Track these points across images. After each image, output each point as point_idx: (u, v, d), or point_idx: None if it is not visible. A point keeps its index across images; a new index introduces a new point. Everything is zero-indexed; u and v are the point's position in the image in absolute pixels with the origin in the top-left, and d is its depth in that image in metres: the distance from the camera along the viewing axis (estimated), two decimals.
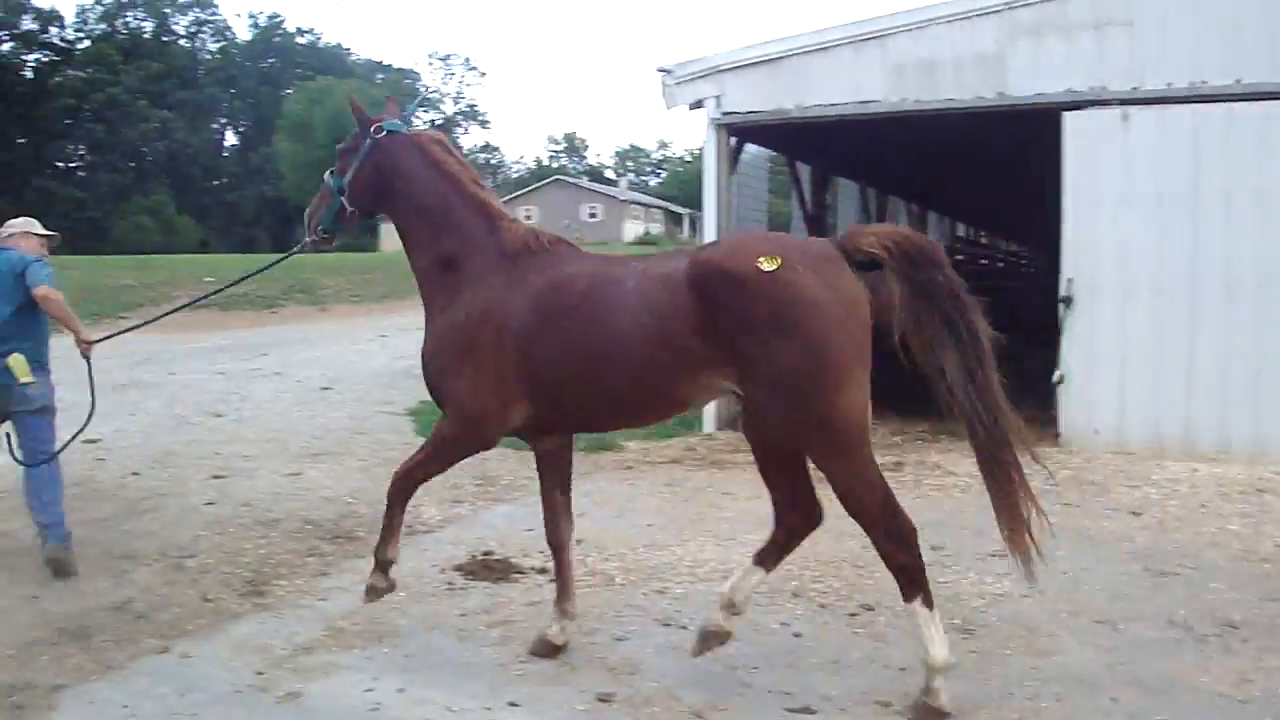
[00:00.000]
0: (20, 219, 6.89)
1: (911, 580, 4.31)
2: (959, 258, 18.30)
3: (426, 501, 7.80)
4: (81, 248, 61.95)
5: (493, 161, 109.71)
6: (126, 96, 77.35)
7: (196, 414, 12.11)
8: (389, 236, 65.48)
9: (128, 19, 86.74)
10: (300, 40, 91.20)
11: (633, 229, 69.61)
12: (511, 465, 9.28)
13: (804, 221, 16.67)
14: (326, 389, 13.84)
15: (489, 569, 6.37)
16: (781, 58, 11.26)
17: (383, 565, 4.93)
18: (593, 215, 70.16)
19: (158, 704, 4.55)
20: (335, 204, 5.23)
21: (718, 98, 11.48)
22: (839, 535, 5.98)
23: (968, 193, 23.85)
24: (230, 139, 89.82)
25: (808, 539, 4.85)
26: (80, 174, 77.65)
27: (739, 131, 11.99)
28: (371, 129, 5.15)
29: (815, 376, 4.18)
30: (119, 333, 7.29)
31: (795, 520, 4.73)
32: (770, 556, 4.77)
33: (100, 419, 11.47)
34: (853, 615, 5.63)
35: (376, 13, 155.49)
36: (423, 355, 4.97)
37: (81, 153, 79.17)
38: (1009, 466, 4.26)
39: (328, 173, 5.31)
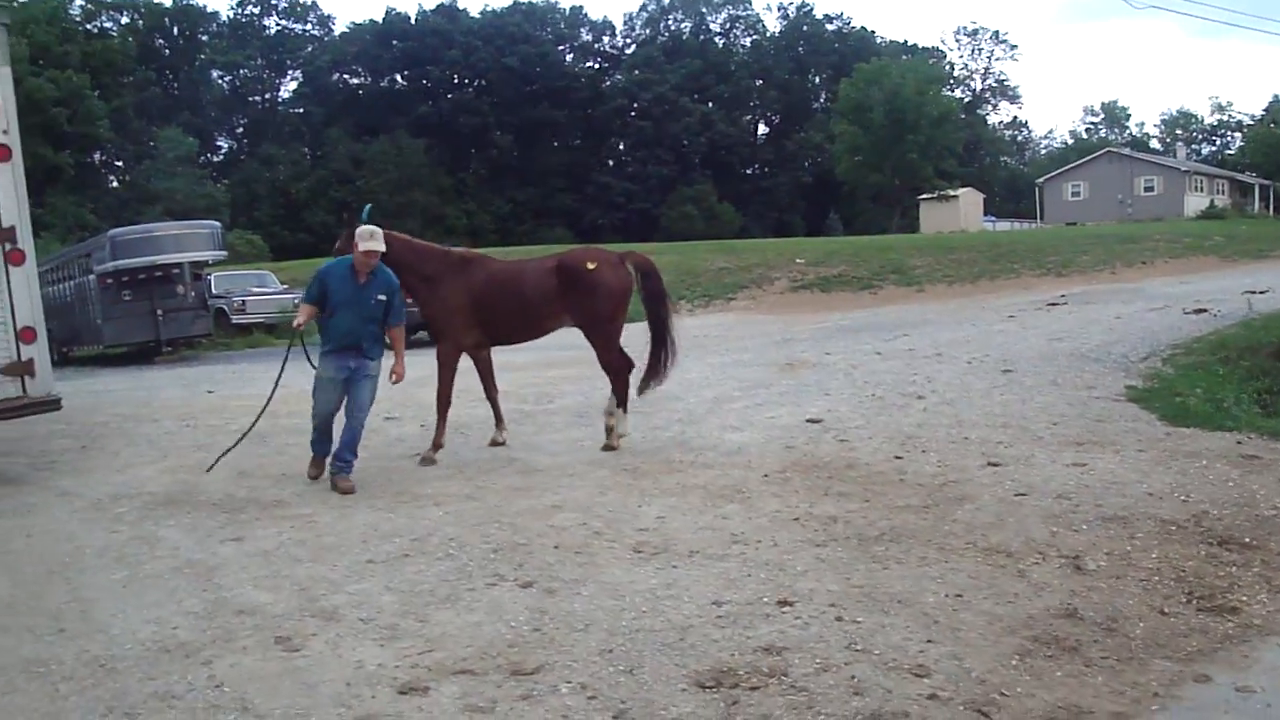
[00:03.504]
0: (370, 228, 8.13)
1: (620, 392, 9.26)
2: None
3: None
4: (635, 235, 67.09)
5: (1019, 138, 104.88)
6: (671, 93, 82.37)
7: (893, 395, 11.62)
8: (928, 216, 64.73)
9: (669, 21, 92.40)
10: (829, 27, 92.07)
11: (1195, 202, 62.80)
12: None
13: None
14: (1008, 371, 12.89)
15: None
16: None
17: (436, 447, 9.03)
18: (1149, 189, 64.20)
19: None
20: None
21: None
22: None
23: None
24: (762, 128, 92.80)
25: None
26: (630, 168, 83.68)
27: None
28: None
29: (598, 315, 9.09)
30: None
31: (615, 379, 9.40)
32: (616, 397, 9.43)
33: (797, 397, 11.51)
34: None
35: None
36: (425, 315, 9.44)
37: (632, 148, 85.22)
38: (666, 358, 9.40)
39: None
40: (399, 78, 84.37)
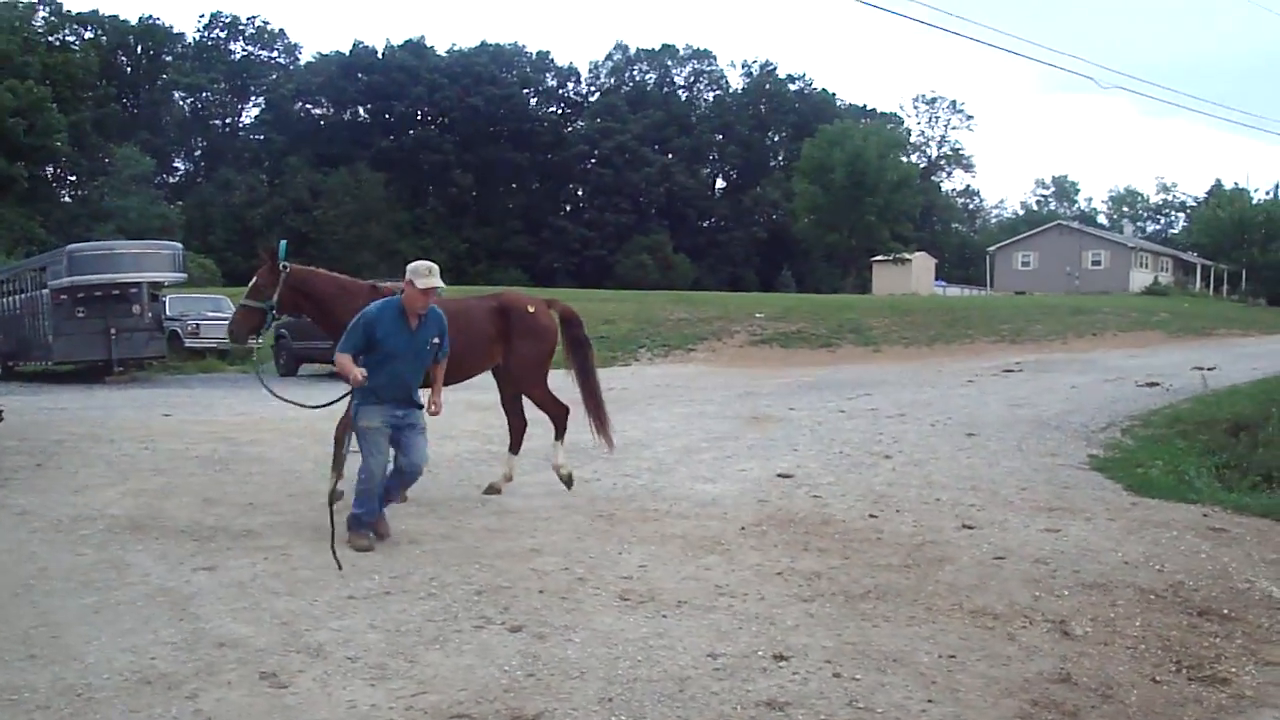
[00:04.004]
0: (427, 264, 7.32)
1: (559, 429, 9.19)
2: None
3: None
4: (589, 281, 67.28)
5: (970, 206, 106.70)
6: (632, 143, 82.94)
7: (860, 453, 11.68)
8: (880, 278, 65.50)
9: (633, 71, 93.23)
10: (791, 87, 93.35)
11: (1140, 278, 64.20)
12: None
13: None
14: (972, 434, 13.02)
15: None
16: None
17: (331, 495, 7.47)
18: (1096, 263, 65.54)
19: None
20: (270, 317, 8.44)
21: None
22: None
23: None
24: (720, 182, 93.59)
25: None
26: (587, 214, 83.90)
27: None
28: (282, 268, 8.27)
29: (536, 356, 9.08)
30: None
31: (518, 425, 9.37)
32: (513, 445, 9.36)
33: (766, 451, 11.49)
34: None
35: (866, 58, 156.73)
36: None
37: (590, 195, 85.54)
38: (599, 408, 9.34)
39: (245, 299, 8.52)
40: (362, 110, 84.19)
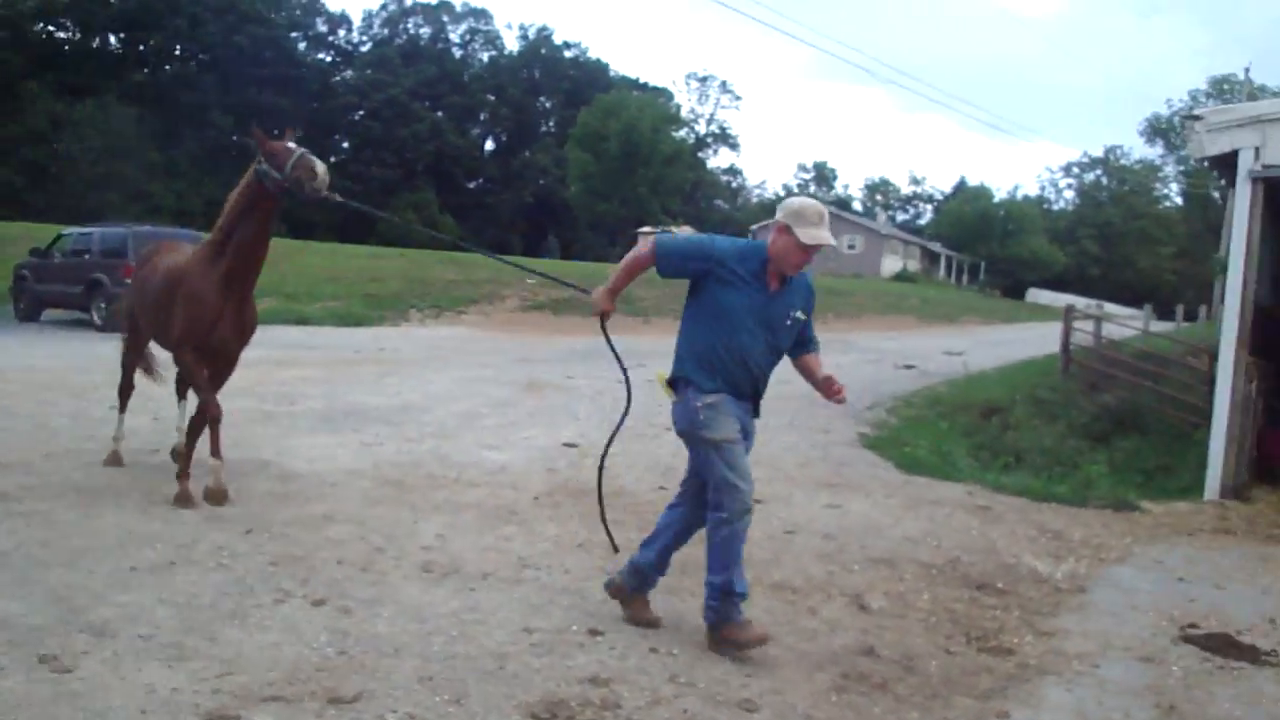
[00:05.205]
0: (817, 206, 4.91)
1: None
2: None
3: None
4: (350, 236, 65.17)
5: (734, 184, 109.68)
6: (403, 97, 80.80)
7: (641, 424, 11.74)
8: None
9: (408, 24, 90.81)
10: (567, 54, 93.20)
11: (890, 264, 67.98)
12: None
13: None
14: None
15: None
16: None
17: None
18: (852, 248, 68.79)
19: None
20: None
21: (1257, 149, 10.34)
22: None
23: None
24: (490, 144, 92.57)
25: None
26: (352, 167, 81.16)
27: (1276, 186, 10.75)
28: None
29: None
30: None
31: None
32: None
33: (548, 418, 11.45)
34: None
35: (642, 31, 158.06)
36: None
37: (356, 148, 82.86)
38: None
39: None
40: (113, 38, 78.31)
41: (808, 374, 5.24)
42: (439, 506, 7.33)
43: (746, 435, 4.99)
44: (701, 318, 4.93)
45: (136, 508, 6.58)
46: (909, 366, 18.91)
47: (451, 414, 11.60)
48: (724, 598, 4.77)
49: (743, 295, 4.82)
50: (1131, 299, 54.23)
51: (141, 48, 76.66)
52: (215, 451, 6.92)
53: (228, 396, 8.98)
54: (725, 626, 4.77)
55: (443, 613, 5.03)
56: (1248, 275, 10.06)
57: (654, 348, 20.99)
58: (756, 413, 5.10)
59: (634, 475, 9.05)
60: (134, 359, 8.34)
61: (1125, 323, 19.74)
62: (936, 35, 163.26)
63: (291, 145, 6.69)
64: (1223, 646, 5.55)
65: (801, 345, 5.15)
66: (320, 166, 6.57)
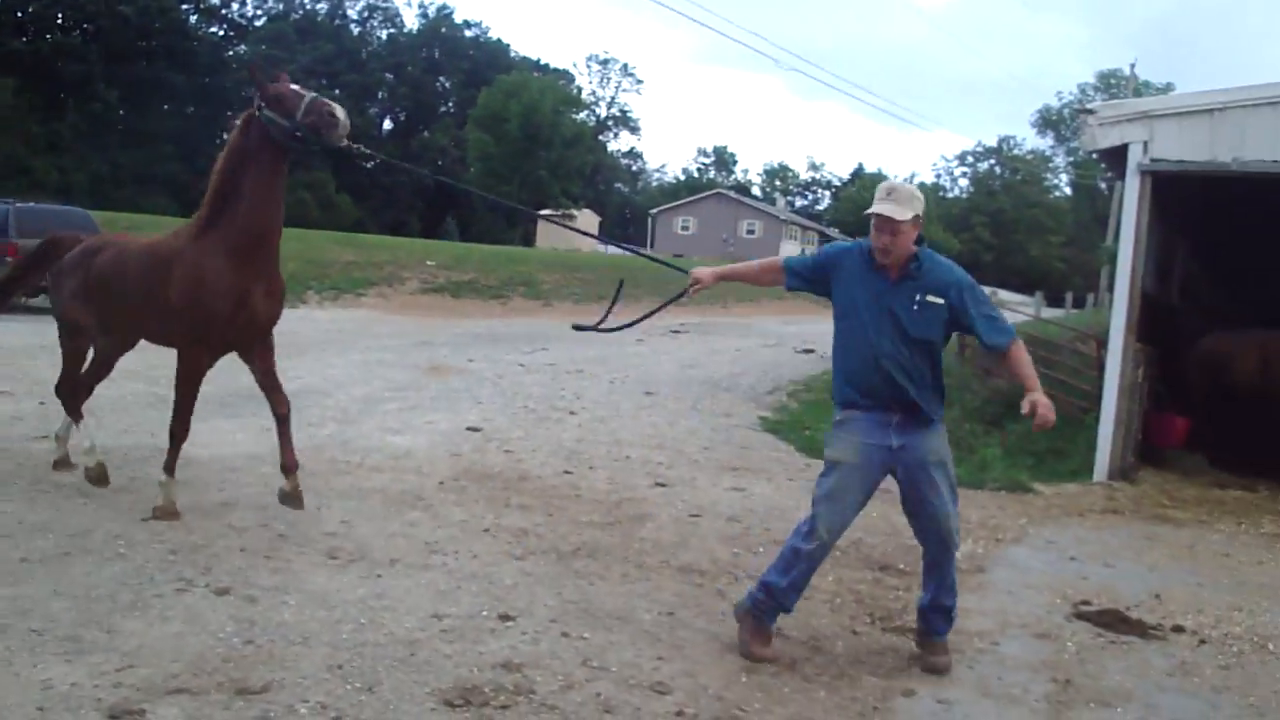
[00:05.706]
0: (890, 182, 4.97)
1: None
2: None
3: None
4: None
5: (634, 168, 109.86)
6: (299, 74, 78.82)
7: (544, 408, 11.79)
8: (545, 233, 66.21)
9: (304, 0, 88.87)
10: (467, 33, 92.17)
11: (789, 248, 68.78)
12: None
13: None
14: (650, 393, 13.46)
15: None
16: (1225, 108, 10.44)
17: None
18: (750, 232, 69.51)
19: None
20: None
21: (1145, 143, 10.68)
22: None
23: None
24: (388, 124, 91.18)
25: None
26: None
27: (1163, 179, 11.09)
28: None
29: None
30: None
31: None
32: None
33: (450, 403, 11.35)
34: None
35: (543, 12, 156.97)
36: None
37: None
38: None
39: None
40: None
41: (1011, 372, 5.14)
42: (343, 493, 7.22)
43: (887, 456, 4.76)
44: (837, 325, 4.89)
45: (23, 496, 6.36)
46: (808, 351, 19.17)
47: (353, 398, 11.44)
48: (768, 596, 4.81)
49: (860, 288, 4.73)
50: (1023, 285, 55.78)
51: (19, 14, 73.56)
52: (289, 459, 6.23)
53: (118, 380, 8.73)
54: (751, 622, 4.83)
55: (350, 600, 4.98)
56: (1136, 264, 10.41)
57: (557, 330, 21.04)
58: (917, 422, 4.73)
59: (538, 459, 9.04)
60: (81, 366, 7.24)
61: (1017, 309, 20.22)
62: (837, 22, 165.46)
63: (297, 88, 5.87)
64: (1113, 622, 5.78)
65: (978, 336, 4.84)
66: (340, 111, 5.72)
